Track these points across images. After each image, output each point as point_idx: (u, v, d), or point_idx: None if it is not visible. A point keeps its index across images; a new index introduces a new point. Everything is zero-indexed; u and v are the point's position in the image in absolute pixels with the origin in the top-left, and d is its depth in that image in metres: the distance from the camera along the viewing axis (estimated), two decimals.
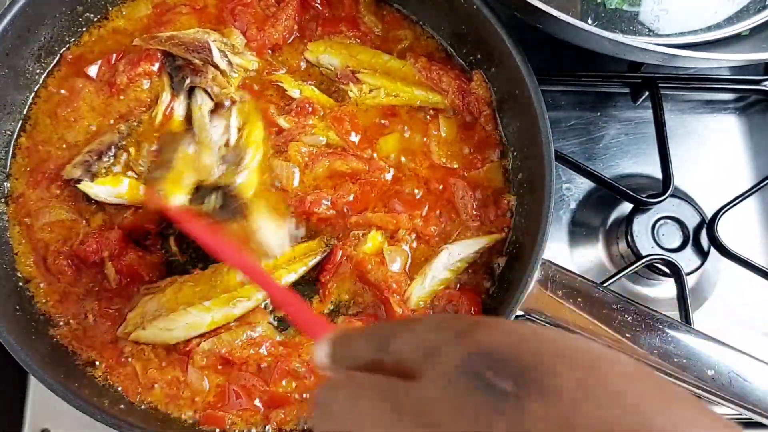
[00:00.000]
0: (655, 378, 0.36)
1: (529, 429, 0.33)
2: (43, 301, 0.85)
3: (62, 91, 0.92)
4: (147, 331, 0.82)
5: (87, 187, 0.85)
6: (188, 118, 0.90)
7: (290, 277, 0.87)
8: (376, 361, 0.44)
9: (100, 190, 0.85)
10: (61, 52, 0.93)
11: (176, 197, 0.83)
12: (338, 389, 0.43)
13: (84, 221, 0.87)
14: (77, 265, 0.85)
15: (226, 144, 0.88)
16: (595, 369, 0.35)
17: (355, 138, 0.92)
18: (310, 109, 0.92)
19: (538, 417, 0.33)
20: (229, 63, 0.92)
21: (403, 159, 0.92)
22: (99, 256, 0.84)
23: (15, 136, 0.90)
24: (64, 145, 0.89)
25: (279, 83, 0.94)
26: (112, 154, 0.87)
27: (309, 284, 0.88)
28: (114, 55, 0.92)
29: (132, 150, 0.88)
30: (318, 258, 0.88)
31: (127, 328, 0.83)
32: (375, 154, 0.92)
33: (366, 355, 0.45)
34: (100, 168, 0.85)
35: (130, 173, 0.88)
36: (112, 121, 0.90)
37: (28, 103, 0.91)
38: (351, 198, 0.89)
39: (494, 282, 0.89)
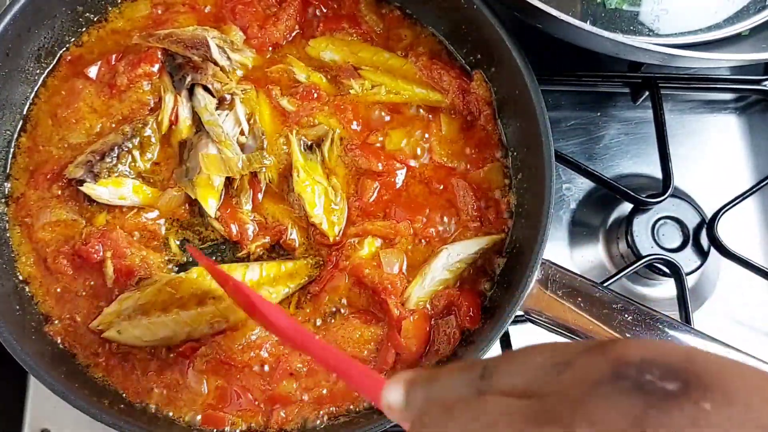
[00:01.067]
0: None
1: (704, 427, 0.32)
2: (43, 301, 0.85)
3: (62, 91, 0.92)
4: (121, 334, 0.81)
5: (90, 189, 0.85)
6: (194, 121, 0.90)
7: (272, 298, 0.84)
8: (473, 395, 0.41)
9: (103, 191, 0.85)
10: (61, 52, 0.93)
11: (211, 201, 0.85)
12: (450, 416, 0.39)
13: (84, 221, 0.87)
14: (78, 265, 0.85)
15: (241, 133, 0.89)
16: (756, 378, 0.35)
17: (356, 128, 0.93)
18: (316, 95, 0.92)
19: (713, 418, 0.32)
20: (228, 59, 0.92)
21: (410, 159, 0.92)
22: (101, 257, 0.84)
23: (15, 137, 0.90)
24: (66, 146, 0.89)
25: (290, 66, 0.94)
26: (115, 155, 0.87)
27: (303, 292, 0.87)
28: (113, 56, 0.92)
29: (137, 153, 0.88)
30: (304, 282, 0.87)
31: (100, 325, 0.82)
32: (386, 147, 0.92)
33: (462, 389, 0.42)
34: (102, 168, 0.85)
35: (133, 175, 0.88)
36: (114, 123, 0.90)
37: (28, 103, 0.91)
38: (373, 198, 0.90)
39: (494, 282, 0.88)
